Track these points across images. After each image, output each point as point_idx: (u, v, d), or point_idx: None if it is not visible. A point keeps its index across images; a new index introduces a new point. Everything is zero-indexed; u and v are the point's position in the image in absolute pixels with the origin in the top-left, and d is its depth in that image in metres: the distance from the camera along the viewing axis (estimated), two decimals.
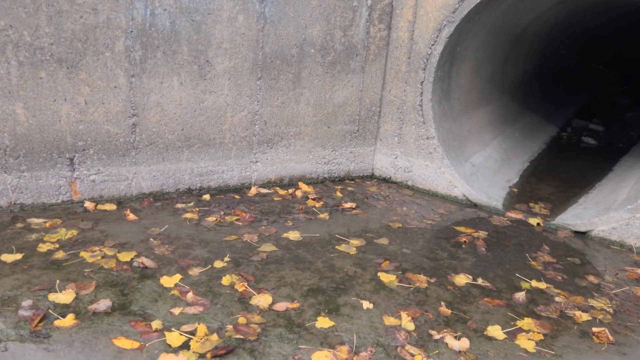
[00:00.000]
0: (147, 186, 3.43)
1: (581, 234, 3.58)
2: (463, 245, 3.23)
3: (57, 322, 2.05)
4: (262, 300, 2.38)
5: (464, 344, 2.19)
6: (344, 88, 4.04)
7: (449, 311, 2.46)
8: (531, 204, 4.09)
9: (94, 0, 2.92)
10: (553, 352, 2.22)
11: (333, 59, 3.90)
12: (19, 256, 2.53)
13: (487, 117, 5.21)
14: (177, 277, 2.49)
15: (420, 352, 2.11)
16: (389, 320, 2.32)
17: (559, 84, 8.23)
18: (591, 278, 2.96)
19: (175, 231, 3.01)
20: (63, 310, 2.14)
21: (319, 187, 4.08)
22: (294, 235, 3.12)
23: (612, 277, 3.01)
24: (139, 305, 2.24)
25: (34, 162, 3.01)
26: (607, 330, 2.37)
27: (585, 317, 2.51)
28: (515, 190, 4.41)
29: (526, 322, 2.41)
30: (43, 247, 2.64)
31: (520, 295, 2.66)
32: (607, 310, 2.61)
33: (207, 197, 3.58)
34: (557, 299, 2.68)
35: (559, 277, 2.93)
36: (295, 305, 2.37)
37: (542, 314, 2.52)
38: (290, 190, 3.90)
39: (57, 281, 2.34)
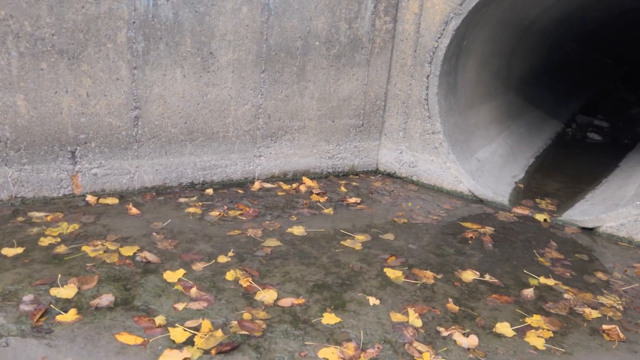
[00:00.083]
0: (149, 180, 3.39)
1: (589, 230, 3.54)
2: (469, 241, 3.19)
3: (59, 317, 2.01)
4: (267, 295, 2.34)
5: (472, 341, 2.15)
6: (348, 82, 3.99)
7: (457, 308, 2.42)
8: (537, 200, 4.04)
9: None
10: (563, 350, 2.18)
11: (338, 51, 3.85)
12: (20, 250, 2.49)
13: (492, 112, 5.15)
14: (181, 272, 2.46)
15: (429, 349, 2.07)
16: (396, 317, 2.28)
17: (563, 79, 8.17)
18: (600, 275, 2.92)
19: (178, 226, 2.97)
20: (65, 305, 2.11)
21: (323, 182, 4.03)
22: (298, 230, 3.08)
23: (621, 274, 2.97)
24: (142, 301, 2.21)
25: (35, 155, 2.97)
26: (617, 328, 2.33)
27: (595, 314, 2.47)
28: (521, 185, 4.36)
29: (535, 319, 2.37)
30: (44, 241, 2.61)
31: (529, 292, 2.62)
32: (617, 307, 2.57)
33: (210, 191, 3.54)
34: (566, 295, 2.63)
35: (568, 274, 2.89)
36: (301, 301, 2.33)
37: (551, 310, 2.48)
38: (294, 185, 3.85)
39: (59, 275, 2.30)
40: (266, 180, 3.86)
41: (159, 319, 2.08)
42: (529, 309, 2.47)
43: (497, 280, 2.72)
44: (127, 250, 2.60)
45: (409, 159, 4.20)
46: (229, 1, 3.30)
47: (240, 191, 3.63)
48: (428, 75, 3.91)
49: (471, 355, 2.07)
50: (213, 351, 1.93)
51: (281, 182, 3.88)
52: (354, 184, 4.08)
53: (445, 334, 2.20)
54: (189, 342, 1.97)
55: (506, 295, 2.58)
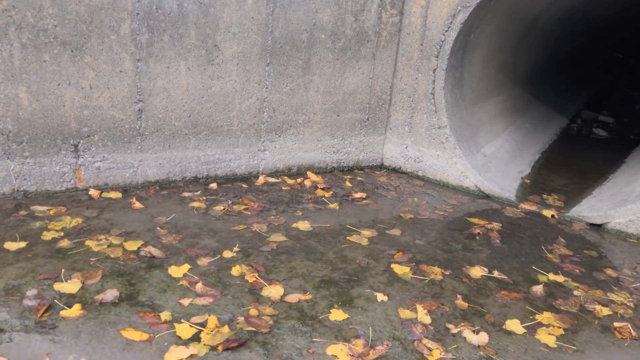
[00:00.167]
0: (153, 174, 3.35)
1: (597, 227, 3.50)
2: (477, 237, 3.15)
3: (63, 313, 1.98)
4: (273, 291, 2.31)
5: (482, 338, 2.12)
6: (354, 75, 3.94)
7: (466, 304, 2.38)
8: (544, 196, 4.00)
9: None
10: (575, 348, 2.15)
11: (344, 45, 3.80)
12: (22, 244, 2.46)
13: (498, 107, 5.11)
14: (186, 267, 2.42)
15: (438, 347, 2.04)
16: (405, 313, 2.25)
17: (568, 74, 8.11)
18: (609, 271, 2.88)
19: (182, 220, 2.93)
20: (69, 300, 2.07)
21: (328, 177, 3.99)
22: (303, 226, 3.04)
23: (631, 270, 2.93)
24: (147, 296, 2.17)
25: (38, 148, 2.93)
26: (629, 326, 2.30)
27: (605, 311, 2.43)
28: (528, 181, 4.32)
29: (545, 316, 2.33)
30: (47, 235, 2.57)
31: (538, 289, 2.58)
32: (628, 304, 2.53)
33: (214, 185, 3.50)
34: (575, 292, 2.60)
35: (577, 270, 2.85)
36: (308, 297, 2.30)
37: (562, 307, 2.44)
38: (299, 180, 3.82)
39: (63, 270, 2.27)
40: (270, 175, 3.82)
41: (165, 315, 2.04)
42: (538, 306, 2.44)
43: (505, 277, 2.68)
44: (131, 245, 2.57)
45: (415, 154, 4.16)
46: None
47: (244, 186, 3.59)
48: (435, 69, 3.86)
49: (482, 353, 2.04)
50: (220, 347, 1.90)
51: (285, 177, 3.85)
52: (359, 178, 4.05)
53: (454, 330, 2.16)
54: (195, 338, 1.94)
55: (515, 291, 2.55)
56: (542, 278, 2.72)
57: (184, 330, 1.97)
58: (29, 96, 2.81)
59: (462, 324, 2.21)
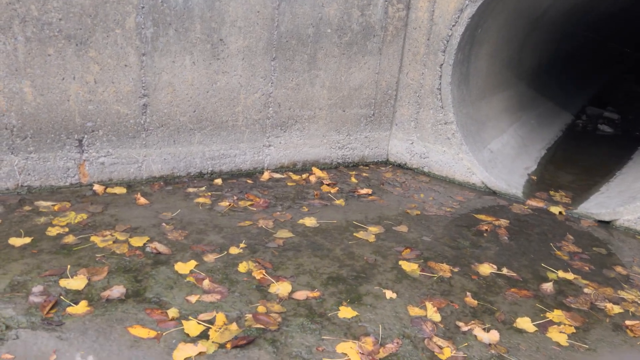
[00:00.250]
0: (157, 169, 3.32)
1: (605, 223, 3.47)
2: (485, 234, 3.12)
3: (69, 309, 1.96)
4: (281, 288, 2.28)
5: (493, 336, 2.09)
6: (360, 70, 3.91)
7: (475, 302, 2.36)
8: (551, 192, 3.97)
9: None
10: (587, 346, 2.12)
11: (350, 39, 3.77)
12: (27, 240, 2.43)
13: (503, 103, 5.07)
14: (192, 263, 2.40)
15: (449, 345, 2.02)
16: (414, 311, 2.22)
17: (572, 70, 8.06)
18: (619, 269, 2.86)
19: (187, 216, 2.90)
20: (75, 296, 2.05)
21: (333, 173, 3.96)
22: (310, 222, 3.02)
23: None
24: (154, 292, 2.15)
25: (42, 143, 2.90)
26: None
27: (616, 309, 2.41)
28: (534, 177, 4.28)
29: (556, 314, 2.31)
30: (52, 231, 2.55)
31: (548, 286, 2.55)
32: (639, 302, 2.51)
33: (219, 181, 3.47)
34: (586, 290, 2.57)
35: (586, 268, 2.82)
36: (316, 294, 2.28)
37: (572, 305, 2.42)
38: (304, 176, 3.79)
39: (68, 266, 2.25)
40: (275, 171, 3.79)
41: (172, 312, 2.02)
42: (549, 304, 2.41)
43: (515, 274, 2.65)
44: (137, 241, 2.54)
45: (421, 150, 4.12)
46: None
47: (249, 181, 3.56)
48: (441, 64, 3.82)
49: (493, 351, 2.02)
50: (228, 345, 1.87)
51: (290, 173, 3.82)
52: (364, 174, 4.02)
53: (465, 328, 2.14)
54: (204, 335, 1.92)
55: (525, 289, 2.52)
56: (551, 275, 2.69)
57: (192, 327, 1.94)
58: (33, 90, 2.78)
59: (473, 321, 2.19)
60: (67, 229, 2.58)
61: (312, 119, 3.84)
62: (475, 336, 2.10)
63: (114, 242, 2.51)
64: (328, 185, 3.65)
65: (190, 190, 3.28)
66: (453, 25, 3.70)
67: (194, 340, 1.88)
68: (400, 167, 4.27)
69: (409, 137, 4.16)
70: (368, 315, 2.16)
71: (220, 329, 1.95)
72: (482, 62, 4.34)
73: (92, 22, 2.83)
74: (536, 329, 2.19)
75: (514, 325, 2.21)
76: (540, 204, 3.70)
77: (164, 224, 2.78)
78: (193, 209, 3.00)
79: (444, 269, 2.62)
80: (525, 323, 2.21)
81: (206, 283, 2.25)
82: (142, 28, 2.97)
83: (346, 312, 2.15)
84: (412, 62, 4.00)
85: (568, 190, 4.05)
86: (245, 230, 2.82)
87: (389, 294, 2.33)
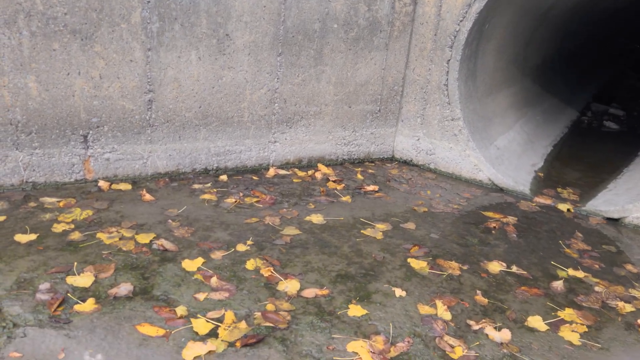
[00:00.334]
0: (162, 166, 3.30)
1: (614, 221, 3.44)
2: (493, 231, 3.10)
3: (77, 307, 1.93)
4: (289, 286, 2.26)
5: (505, 335, 2.07)
6: (366, 66, 3.87)
7: (486, 300, 2.33)
8: (559, 189, 3.94)
9: None
10: (599, 345, 2.10)
11: (356, 34, 3.73)
12: (33, 236, 2.41)
13: (509, 99, 5.03)
14: (200, 260, 2.37)
15: (460, 344, 1.99)
16: (424, 309, 2.20)
17: (577, 66, 8.01)
18: (629, 267, 2.83)
19: (193, 213, 2.88)
20: (82, 294, 2.03)
21: (339, 169, 3.94)
22: (317, 219, 2.99)
23: None
24: (162, 290, 2.12)
25: (47, 139, 2.87)
26: None
27: (628, 308, 2.38)
28: (541, 174, 4.25)
29: (567, 313, 2.28)
30: (58, 228, 2.52)
31: (558, 284, 2.53)
32: None
33: (224, 177, 3.45)
34: (596, 288, 2.55)
35: (596, 266, 2.80)
36: (325, 291, 2.25)
37: (583, 304, 2.39)
38: (310, 172, 3.76)
39: (75, 263, 2.22)
40: (281, 167, 3.76)
41: (180, 310, 2.00)
42: (560, 302, 2.39)
43: (524, 272, 2.63)
44: (143, 238, 2.52)
45: (427, 146, 4.09)
46: None
47: (254, 178, 3.54)
48: (449, 60, 3.79)
49: (505, 350, 1.99)
50: (238, 344, 1.85)
51: (296, 169, 3.79)
52: (370, 171, 3.99)
53: (476, 327, 2.11)
54: (213, 333, 1.89)
55: (535, 287, 2.49)
56: (561, 273, 2.66)
57: (201, 325, 1.92)
58: (38, 86, 2.76)
59: (483, 320, 2.16)
60: (72, 226, 2.56)
61: (317, 115, 3.81)
62: (487, 335, 2.08)
63: (120, 238, 2.49)
64: (334, 181, 3.63)
65: (196, 186, 3.25)
66: (461, 21, 3.67)
67: (203, 338, 1.86)
68: (406, 163, 4.24)
69: (415, 134, 4.13)
70: (378, 313, 2.14)
71: (229, 327, 1.93)
72: (489, 58, 4.31)
73: (98, 16, 2.80)
74: (548, 327, 2.17)
75: (526, 324, 2.19)
76: (548, 201, 3.67)
77: (170, 220, 2.75)
78: (199, 206, 2.98)
79: (453, 267, 2.59)
80: (536, 322, 2.19)
81: (214, 281, 2.23)
82: (147, 23, 2.94)
83: (356, 311, 2.13)
84: (418, 58, 3.96)
85: (575, 187, 4.02)
86: (252, 227, 2.79)
87: (399, 292, 2.31)
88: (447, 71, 3.81)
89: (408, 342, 1.98)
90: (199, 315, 1.98)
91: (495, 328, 2.11)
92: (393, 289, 2.33)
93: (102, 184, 3.06)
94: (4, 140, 2.75)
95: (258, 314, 2.04)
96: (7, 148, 2.77)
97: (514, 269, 2.65)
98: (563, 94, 6.90)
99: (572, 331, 2.15)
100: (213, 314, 2.00)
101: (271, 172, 3.65)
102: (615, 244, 3.13)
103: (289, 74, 3.56)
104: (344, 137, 4.00)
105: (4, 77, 2.65)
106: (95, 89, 2.92)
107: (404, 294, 2.30)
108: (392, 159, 4.31)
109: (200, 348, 1.80)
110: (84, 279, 2.11)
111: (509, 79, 5.07)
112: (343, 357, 1.86)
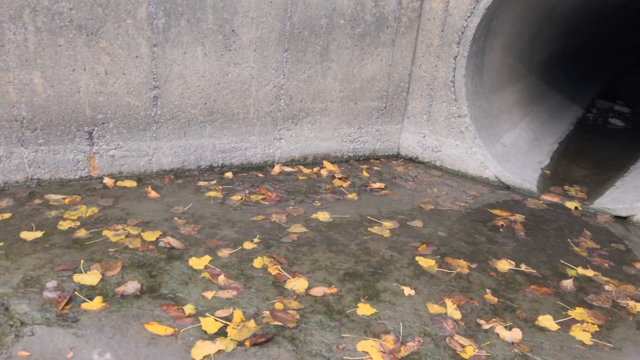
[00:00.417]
0: (167, 162, 3.28)
1: (622, 219, 3.41)
2: (500, 229, 3.07)
3: (84, 305, 1.92)
4: (297, 284, 2.24)
5: (516, 334, 2.05)
6: (372, 62, 3.84)
7: (495, 299, 2.31)
8: (566, 187, 3.92)
9: None
10: (611, 345, 2.08)
11: (363, 30, 3.70)
12: (39, 234, 2.39)
13: (515, 96, 5.00)
14: (207, 258, 2.35)
15: (471, 343, 1.97)
16: (434, 308, 2.18)
17: (582, 63, 7.97)
18: (639, 266, 2.81)
19: (199, 210, 2.86)
20: (89, 292, 2.01)
21: (344, 167, 3.91)
22: (323, 216, 2.97)
23: None
24: (169, 288, 2.11)
25: (52, 136, 2.85)
26: None
27: (639, 307, 2.36)
28: (548, 172, 4.23)
29: (578, 312, 2.26)
30: (64, 225, 2.51)
31: (568, 283, 2.51)
32: None
33: (229, 174, 3.43)
34: (606, 287, 2.52)
35: (606, 264, 2.78)
36: (333, 290, 2.23)
37: (594, 303, 2.37)
38: (315, 169, 3.74)
39: (82, 261, 2.21)
40: (286, 164, 3.74)
41: (188, 308, 1.98)
42: (570, 301, 2.37)
43: (534, 271, 2.61)
44: (150, 235, 2.50)
45: (433, 143, 4.07)
46: None
47: (260, 175, 3.51)
48: (456, 56, 3.76)
49: (516, 350, 1.97)
50: (247, 343, 1.83)
51: (301, 166, 3.77)
52: (375, 168, 3.96)
53: (486, 327, 2.10)
54: (221, 332, 1.88)
55: (545, 286, 2.47)
56: (571, 272, 2.64)
57: (209, 324, 1.90)
58: (43, 82, 2.73)
59: (494, 319, 2.14)
60: (78, 223, 2.54)
61: (323, 112, 3.78)
62: (497, 334, 2.06)
63: (126, 236, 2.47)
64: (340, 179, 3.60)
65: (201, 183, 3.23)
66: (468, 17, 3.63)
67: (212, 337, 1.84)
68: (412, 160, 4.21)
69: (421, 131, 4.11)
70: (387, 312, 2.12)
71: (238, 326, 1.91)
72: (495, 54, 4.27)
73: (103, 12, 2.77)
74: (559, 327, 2.15)
75: (536, 323, 2.17)
76: (556, 199, 3.64)
77: (176, 218, 2.73)
78: (205, 203, 2.96)
79: (462, 265, 2.57)
80: (547, 321, 2.17)
81: (221, 279, 2.21)
82: (153, 18, 2.92)
83: (365, 309, 2.11)
84: (425, 54, 3.93)
85: (582, 185, 4.00)
86: (259, 225, 2.77)
87: (407, 290, 2.29)
88: (454, 67, 3.78)
89: (418, 341, 1.96)
90: (207, 314, 1.96)
91: (505, 327, 2.10)
92: (402, 287, 2.31)
93: (107, 181, 3.04)
94: (9, 137, 2.73)
95: (267, 313, 2.02)
96: (12, 145, 2.76)
97: (523, 267, 2.63)
98: (568, 91, 6.86)
99: (584, 331, 2.13)
100: (221, 313, 1.98)
101: (276, 169, 3.63)
102: (623, 242, 3.10)
103: (295, 70, 3.53)
104: (350, 134, 3.98)
105: (9, 73, 2.63)
106: (100, 85, 2.90)
107: (413, 292, 2.28)
108: (397, 156, 4.29)
109: (209, 347, 1.78)
110: (91, 277, 2.09)
111: (515, 75, 5.04)
112: (353, 356, 1.84)
